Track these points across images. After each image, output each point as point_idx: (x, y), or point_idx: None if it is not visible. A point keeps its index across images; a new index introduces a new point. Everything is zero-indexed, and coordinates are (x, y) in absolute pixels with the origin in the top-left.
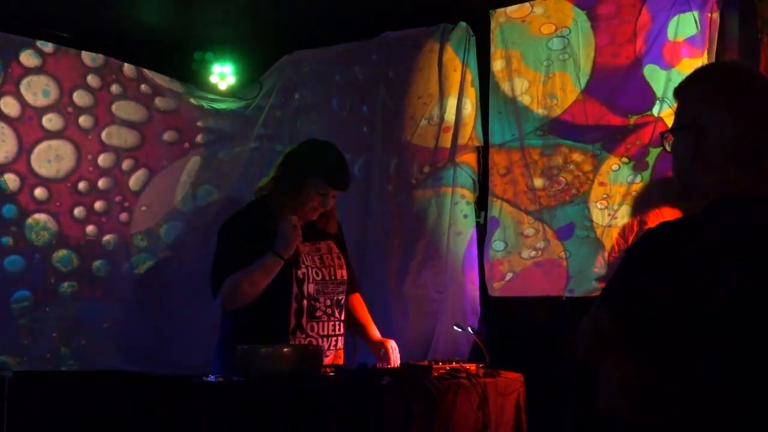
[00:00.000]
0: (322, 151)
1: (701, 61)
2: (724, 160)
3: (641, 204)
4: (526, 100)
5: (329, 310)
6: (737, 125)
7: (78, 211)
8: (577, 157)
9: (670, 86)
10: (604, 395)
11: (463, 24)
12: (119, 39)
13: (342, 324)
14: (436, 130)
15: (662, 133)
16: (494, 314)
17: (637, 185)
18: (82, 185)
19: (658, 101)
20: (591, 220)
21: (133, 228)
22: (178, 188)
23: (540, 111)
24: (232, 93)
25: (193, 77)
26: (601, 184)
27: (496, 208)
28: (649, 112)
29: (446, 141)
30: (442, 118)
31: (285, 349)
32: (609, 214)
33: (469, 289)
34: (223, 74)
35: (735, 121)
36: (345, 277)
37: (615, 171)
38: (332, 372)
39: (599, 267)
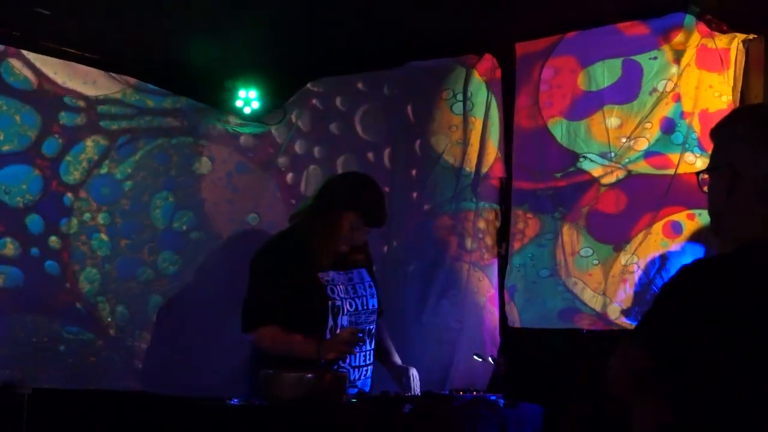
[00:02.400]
0: (361, 187)
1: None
2: (760, 201)
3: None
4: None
5: (362, 340)
6: None
7: None
8: None
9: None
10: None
11: (488, 55)
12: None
13: (372, 353)
14: (459, 161)
15: (698, 173)
16: (514, 345)
17: None
18: None
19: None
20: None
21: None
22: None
23: None
24: (257, 118)
25: (218, 102)
26: None
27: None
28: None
29: (470, 171)
30: (465, 149)
31: (308, 375)
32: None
33: (488, 319)
34: (248, 99)
35: None
36: (376, 307)
37: None
38: (354, 399)
39: (619, 300)
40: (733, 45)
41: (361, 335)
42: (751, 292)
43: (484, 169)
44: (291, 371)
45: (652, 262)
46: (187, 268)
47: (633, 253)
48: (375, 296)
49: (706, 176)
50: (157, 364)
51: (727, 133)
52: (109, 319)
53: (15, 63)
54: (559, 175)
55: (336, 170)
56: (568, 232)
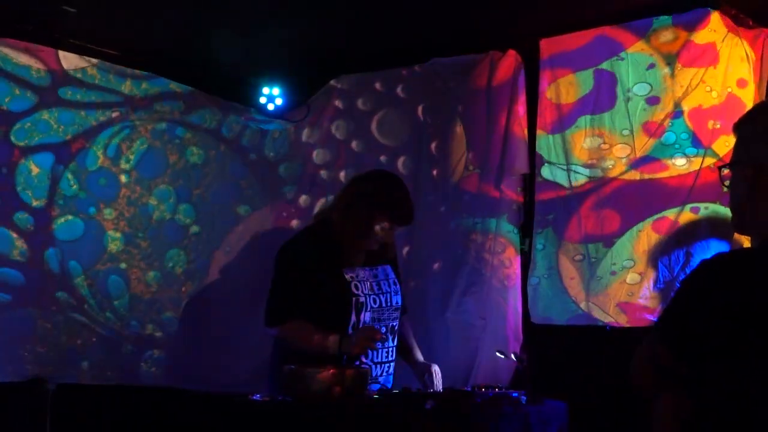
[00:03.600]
0: (388, 186)
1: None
2: None
3: (687, 237)
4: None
5: (384, 337)
6: None
7: None
8: None
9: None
10: (657, 427)
11: (512, 52)
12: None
13: (395, 350)
14: (483, 158)
15: (720, 167)
16: (537, 341)
17: None
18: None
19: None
20: None
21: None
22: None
23: None
24: (280, 114)
25: (242, 98)
26: None
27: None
28: None
29: (493, 167)
30: (489, 145)
31: (331, 371)
32: None
33: (511, 316)
34: (271, 95)
35: None
36: (400, 304)
37: None
38: (376, 395)
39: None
40: (757, 41)
41: (384, 330)
42: (763, 288)
43: (509, 167)
44: (313, 367)
45: (676, 258)
46: (210, 265)
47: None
48: (399, 293)
49: (727, 171)
50: (180, 360)
51: (750, 129)
52: (132, 316)
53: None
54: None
55: (356, 168)
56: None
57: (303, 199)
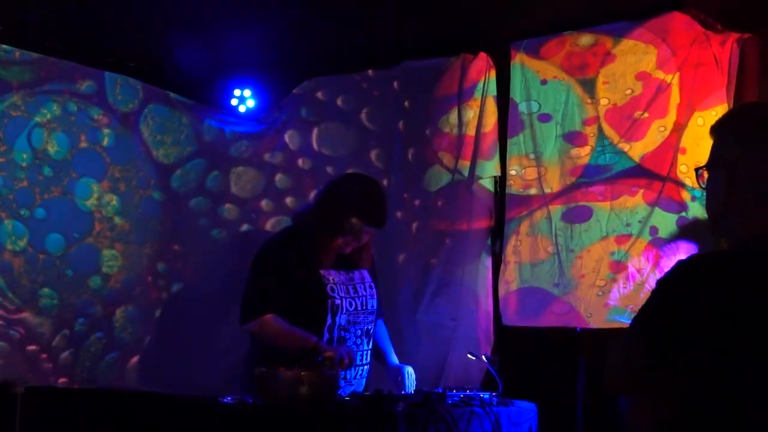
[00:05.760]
0: (363, 190)
1: None
2: (757, 198)
3: (660, 240)
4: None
5: (359, 341)
6: None
7: None
8: None
9: None
10: (633, 428)
11: (483, 54)
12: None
13: (369, 353)
14: (454, 160)
15: (696, 170)
16: (508, 343)
17: None
18: None
19: None
20: None
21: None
22: None
23: None
24: (251, 116)
25: (211, 100)
26: None
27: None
28: None
29: (464, 170)
30: (460, 148)
31: (303, 373)
32: None
33: (483, 318)
34: (242, 97)
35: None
36: (375, 308)
37: None
38: (348, 397)
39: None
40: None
41: (359, 333)
42: (748, 288)
43: (480, 170)
44: (285, 369)
45: (646, 260)
46: (185, 266)
47: (627, 252)
48: (375, 297)
49: (704, 173)
50: (152, 362)
51: (726, 130)
52: (103, 317)
53: None
54: None
55: (332, 169)
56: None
57: (277, 200)
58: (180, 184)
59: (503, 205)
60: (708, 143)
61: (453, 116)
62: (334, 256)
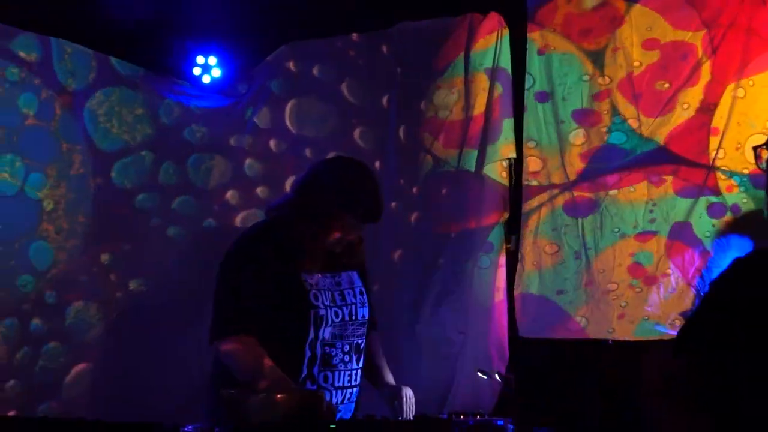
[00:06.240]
0: (354, 179)
1: None
2: None
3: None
4: None
5: (346, 357)
6: None
7: None
8: None
9: None
10: None
11: (494, 14)
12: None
13: (359, 372)
14: (459, 142)
15: (755, 148)
16: (525, 359)
17: None
18: None
19: None
20: None
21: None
22: None
23: None
24: (215, 88)
25: (171, 69)
26: None
27: None
28: None
29: (471, 154)
30: (467, 128)
31: (278, 396)
32: None
33: (495, 329)
34: (206, 66)
35: None
36: (366, 317)
37: None
38: (332, 425)
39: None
40: None
41: (348, 349)
42: None
43: (491, 153)
44: (257, 391)
45: (690, 260)
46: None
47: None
48: (366, 305)
49: (762, 152)
50: (101, 380)
51: None
52: (43, 333)
53: None
54: None
55: (310, 152)
56: None
57: (248, 189)
58: (126, 176)
59: (519, 195)
60: (753, 117)
61: (459, 89)
62: (317, 257)
